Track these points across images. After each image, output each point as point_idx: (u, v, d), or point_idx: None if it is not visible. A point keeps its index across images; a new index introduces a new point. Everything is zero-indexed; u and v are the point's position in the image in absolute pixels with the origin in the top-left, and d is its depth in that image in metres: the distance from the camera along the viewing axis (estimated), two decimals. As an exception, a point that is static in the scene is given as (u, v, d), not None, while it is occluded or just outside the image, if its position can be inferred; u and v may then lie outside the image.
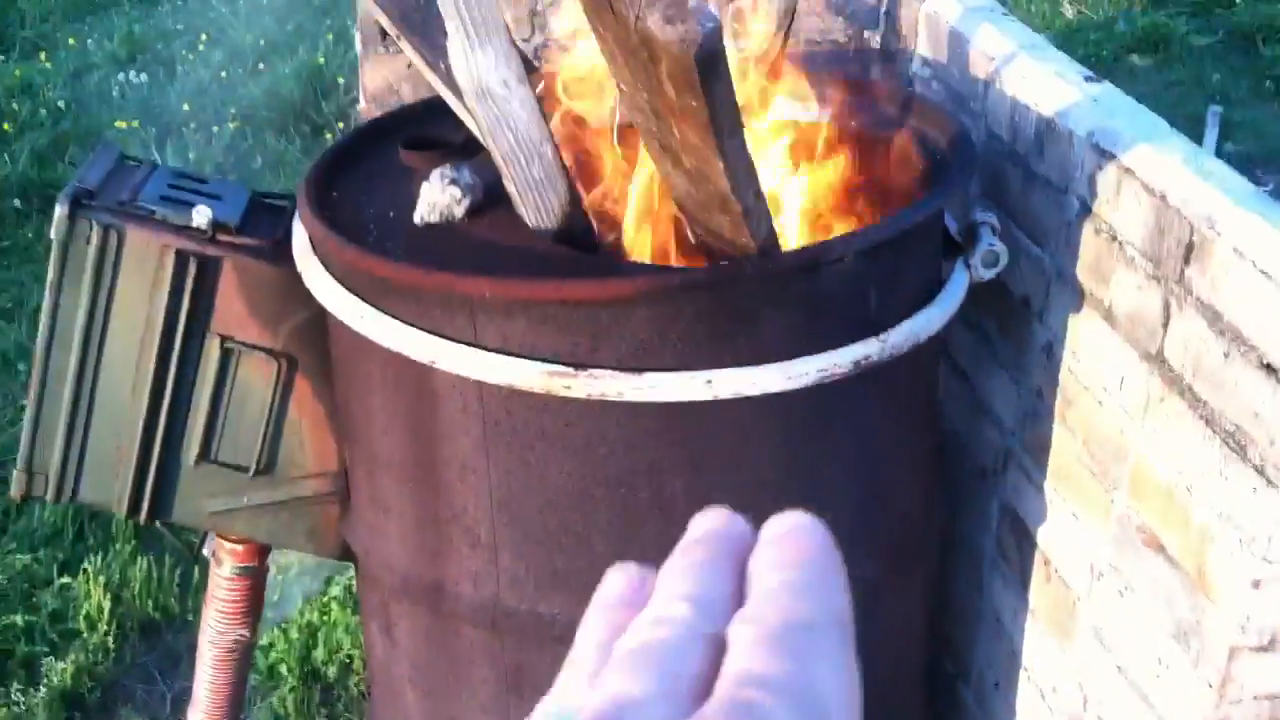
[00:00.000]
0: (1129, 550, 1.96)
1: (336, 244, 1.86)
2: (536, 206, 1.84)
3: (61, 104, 5.84)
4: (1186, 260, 1.76)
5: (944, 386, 2.48)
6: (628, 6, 1.32)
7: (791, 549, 0.40)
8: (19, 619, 3.16)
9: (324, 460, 2.20)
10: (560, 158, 1.84)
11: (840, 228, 1.98)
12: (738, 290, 1.72)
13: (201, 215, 2.04)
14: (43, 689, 3.01)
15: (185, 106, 5.74)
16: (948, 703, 2.66)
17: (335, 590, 3.18)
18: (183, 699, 2.74)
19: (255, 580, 2.36)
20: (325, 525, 2.24)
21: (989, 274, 2.05)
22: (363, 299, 1.86)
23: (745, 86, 2.09)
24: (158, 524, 2.23)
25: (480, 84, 1.73)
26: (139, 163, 2.22)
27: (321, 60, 6.09)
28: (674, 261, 1.87)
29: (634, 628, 0.40)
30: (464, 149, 2.03)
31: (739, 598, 0.40)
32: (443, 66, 1.83)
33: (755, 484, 1.86)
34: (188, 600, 3.27)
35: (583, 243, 1.87)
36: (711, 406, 1.76)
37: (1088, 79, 2.11)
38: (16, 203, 4.99)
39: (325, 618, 3.12)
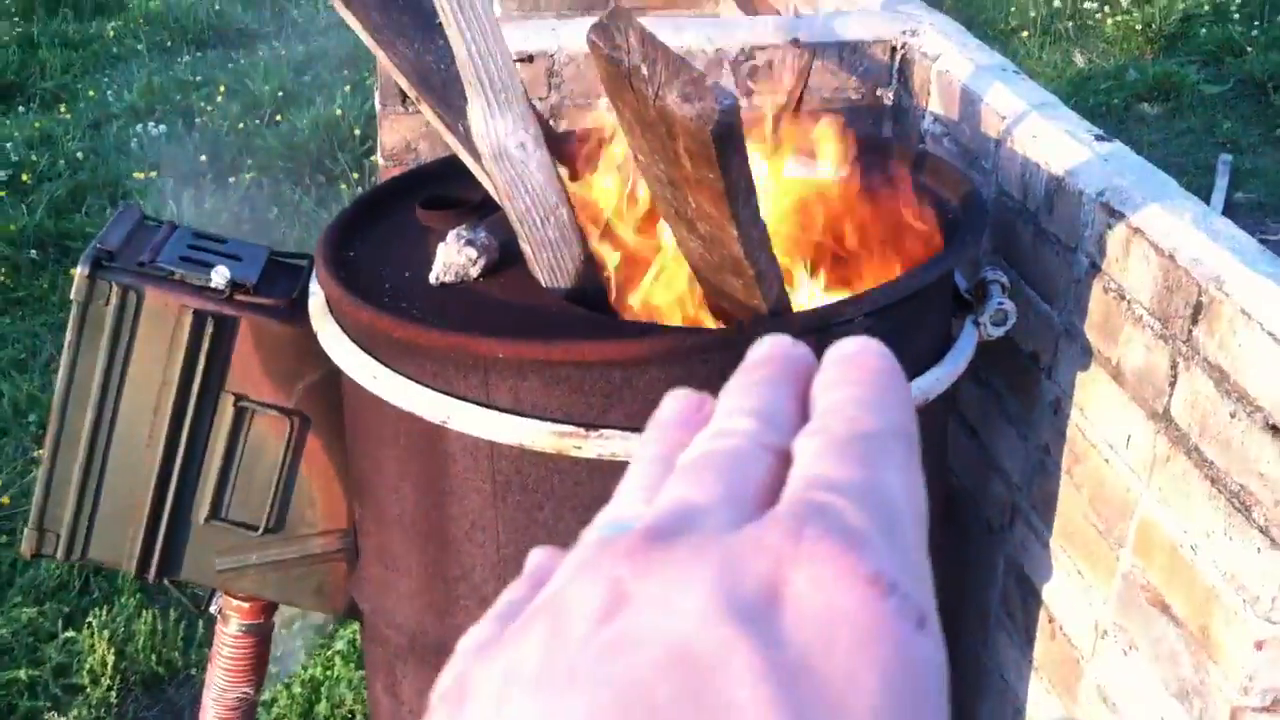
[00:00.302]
0: (1133, 609, 1.96)
1: (351, 304, 1.87)
2: (551, 266, 1.86)
3: (80, 155, 5.89)
4: (1194, 320, 1.77)
5: (953, 442, 2.49)
6: (646, 84, 1.34)
7: (856, 367, 0.39)
8: (23, 673, 3.16)
9: (333, 518, 2.21)
10: (575, 219, 1.86)
11: (852, 287, 2.00)
12: (749, 351, 1.73)
13: (220, 275, 2.06)
14: (46, 744, 3.01)
15: (203, 157, 5.79)
16: (958, 759, 2.65)
17: (339, 644, 3.18)
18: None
19: (260, 637, 2.37)
20: (333, 583, 2.25)
21: (998, 332, 2.06)
22: (377, 358, 1.87)
23: (759, 143, 2.11)
24: (165, 581, 2.23)
25: (498, 147, 1.75)
26: (159, 223, 2.24)
27: (338, 111, 6.14)
28: (686, 322, 1.89)
29: (695, 443, 0.39)
30: (480, 207, 2.05)
31: (802, 418, 0.38)
32: (461, 128, 1.86)
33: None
34: (191, 654, 3.26)
35: (596, 303, 1.89)
36: (721, 466, 1.76)
37: (1098, 138, 2.13)
38: (33, 253, 5.03)
39: (329, 672, 3.12)
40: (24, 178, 5.59)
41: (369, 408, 1.94)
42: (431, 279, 1.94)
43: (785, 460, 0.36)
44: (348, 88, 6.43)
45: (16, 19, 7.53)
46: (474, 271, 1.93)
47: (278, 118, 6.28)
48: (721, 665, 0.29)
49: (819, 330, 1.76)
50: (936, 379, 1.90)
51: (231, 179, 5.69)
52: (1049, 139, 2.17)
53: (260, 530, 2.19)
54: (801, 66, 2.13)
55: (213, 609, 2.38)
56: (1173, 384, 1.83)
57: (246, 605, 2.33)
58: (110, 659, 3.18)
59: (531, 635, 0.33)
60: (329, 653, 3.18)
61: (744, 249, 1.50)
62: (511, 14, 4.01)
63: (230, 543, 2.20)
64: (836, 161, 2.18)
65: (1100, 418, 2.03)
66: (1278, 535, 1.61)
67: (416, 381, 1.82)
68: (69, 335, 2.07)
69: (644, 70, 1.36)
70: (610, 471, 1.77)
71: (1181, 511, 1.82)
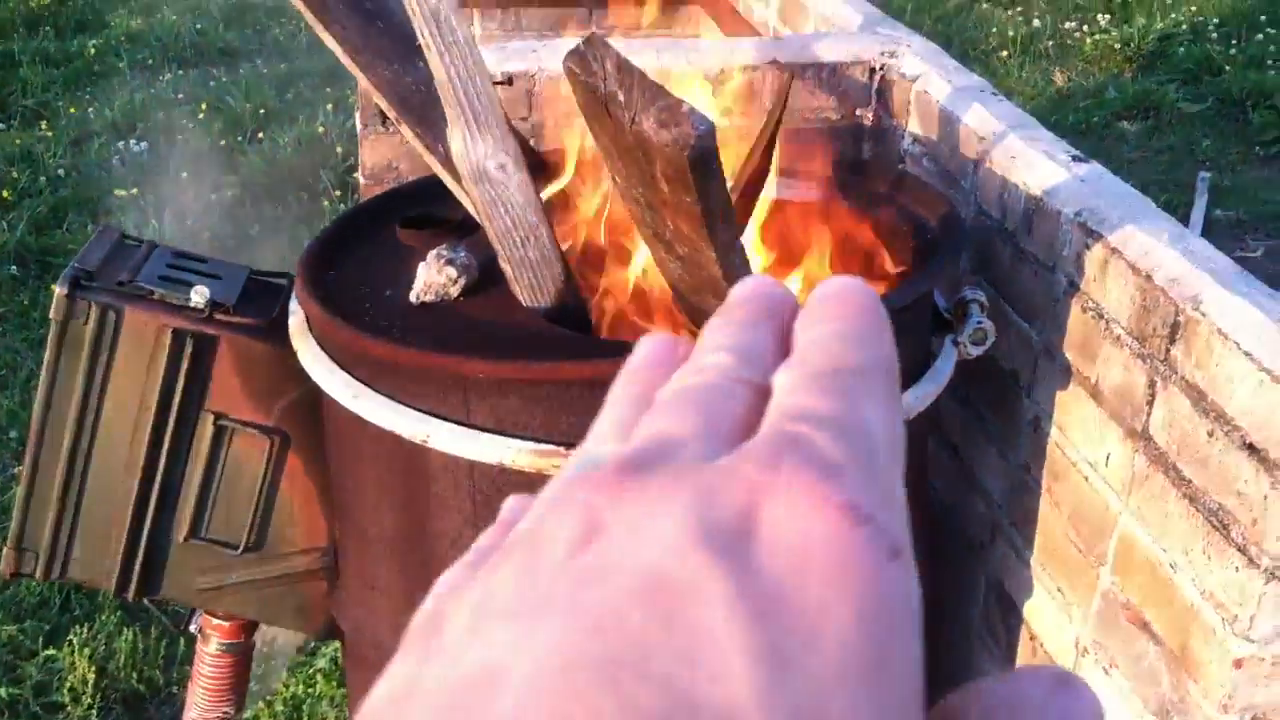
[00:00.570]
0: (1113, 627, 1.97)
1: (331, 323, 1.88)
2: (531, 286, 1.86)
3: (61, 172, 5.88)
4: (1172, 340, 1.78)
5: (934, 460, 2.50)
6: (623, 110, 1.35)
7: (839, 303, 0.38)
8: (2, 691, 3.14)
9: (313, 536, 2.21)
10: (555, 239, 1.86)
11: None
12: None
13: (199, 295, 2.06)
14: (27, 763, 2.99)
15: (184, 175, 5.79)
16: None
17: (321, 662, 3.17)
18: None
19: (241, 657, 2.37)
20: (313, 602, 2.24)
21: (977, 351, 2.07)
22: (356, 378, 1.87)
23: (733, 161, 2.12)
24: (145, 600, 2.23)
25: (478, 168, 1.76)
26: (139, 242, 2.24)
27: (320, 129, 6.14)
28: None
29: (674, 379, 0.38)
30: (461, 227, 2.05)
31: (782, 357, 0.38)
32: (441, 149, 1.86)
33: (745, 561, 1.86)
34: (173, 673, 3.25)
35: (576, 322, 1.89)
36: (702, 485, 1.77)
37: (1075, 159, 2.14)
38: (13, 269, 5.01)
39: (310, 690, 3.11)
40: (4, 194, 5.57)
41: (349, 427, 1.94)
42: (412, 298, 1.94)
43: (764, 396, 0.36)
44: (330, 105, 6.44)
45: (-3, 36, 7.53)
46: (454, 291, 1.93)
47: (259, 135, 6.28)
48: (695, 591, 0.29)
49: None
50: (916, 398, 1.91)
51: (213, 196, 5.68)
52: (1027, 159, 2.18)
53: (240, 549, 2.19)
54: (780, 87, 2.14)
55: (193, 628, 2.38)
56: (1151, 403, 1.84)
57: (227, 624, 2.33)
58: (91, 677, 3.16)
59: (505, 567, 0.33)
60: (311, 670, 3.17)
61: (722, 270, 1.51)
62: (493, 34, 4.02)
63: (210, 562, 2.20)
64: (815, 182, 2.19)
65: (1079, 436, 2.04)
66: (1256, 554, 1.62)
67: (396, 400, 1.82)
68: (48, 354, 2.06)
69: (620, 96, 1.36)
70: (590, 491, 1.78)
71: (1160, 530, 1.83)
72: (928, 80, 2.56)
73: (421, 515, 1.90)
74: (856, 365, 0.36)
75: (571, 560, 0.31)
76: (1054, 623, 2.16)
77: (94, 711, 3.13)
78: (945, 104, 2.46)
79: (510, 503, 0.42)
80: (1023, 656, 2.29)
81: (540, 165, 2.05)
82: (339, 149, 5.97)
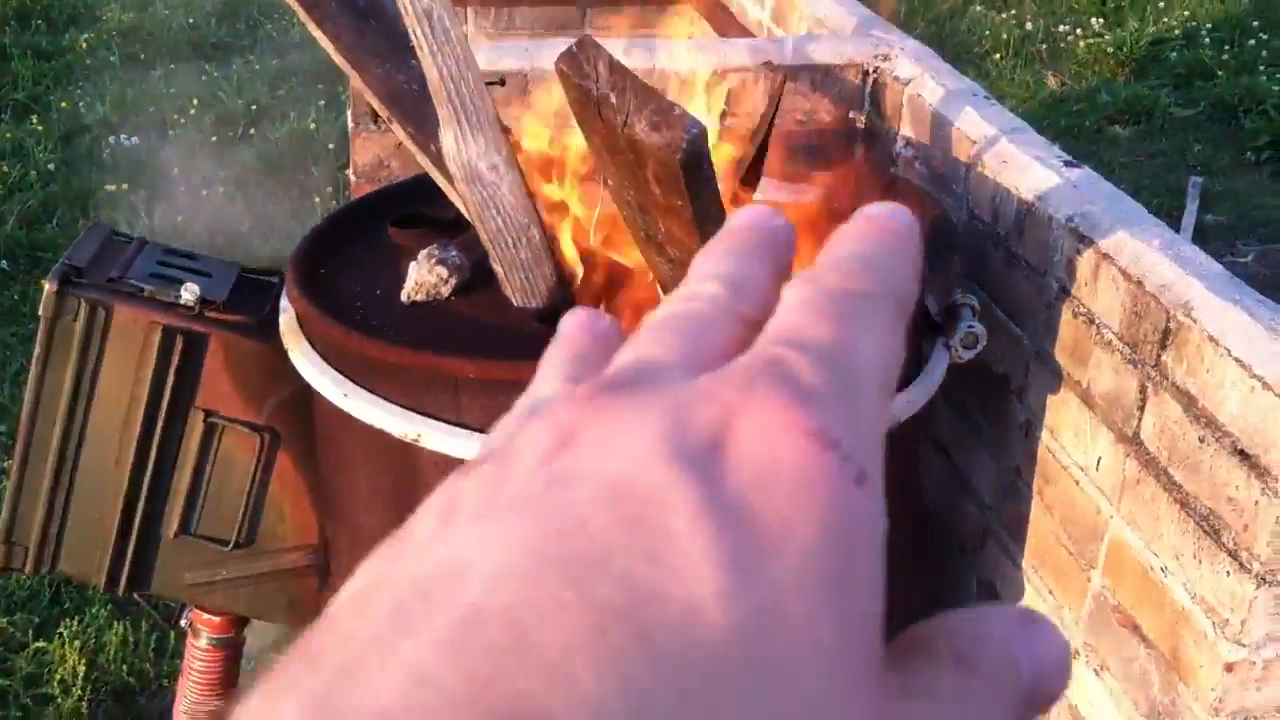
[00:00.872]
0: (1104, 630, 1.97)
1: (322, 322, 1.87)
2: (522, 286, 1.86)
3: (51, 166, 5.87)
4: (1163, 345, 1.78)
5: (925, 463, 2.50)
6: (615, 113, 1.35)
7: (870, 226, 0.38)
8: (-8, 684, 3.15)
9: (304, 533, 2.21)
10: (546, 239, 1.86)
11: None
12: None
13: (190, 292, 2.06)
14: (16, 756, 2.99)
15: (175, 170, 5.78)
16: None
17: (314, 658, 3.17)
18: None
19: (232, 651, 2.36)
20: (304, 598, 2.24)
21: (969, 355, 2.07)
22: (347, 376, 1.87)
23: (725, 162, 2.12)
24: (135, 595, 2.23)
25: (470, 169, 1.76)
26: (129, 239, 2.24)
27: (312, 126, 6.13)
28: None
29: (662, 304, 0.38)
30: (452, 226, 2.05)
31: (775, 292, 0.37)
32: (433, 148, 1.86)
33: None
34: (163, 665, 3.24)
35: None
36: (692, 487, 1.77)
37: (1068, 164, 2.15)
38: (3, 264, 5.00)
39: (302, 686, 3.11)
40: (-5, 189, 5.56)
41: (340, 425, 1.93)
42: (403, 297, 1.93)
43: (752, 327, 0.35)
44: (322, 102, 6.43)
45: (-11, 29, 7.51)
46: (445, 291, 1.93)
47: (251, 131, 6.27)
48: (661, 499, 0.29)
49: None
50: (908, 401, 1.91)
51: (204, 192, 5.67)
52: (1019, 164, 2.18)
53: (230, 545, 2.19)
54: (774, 89, 2.14)
55: (183, 623, 2.37)
56: (1142, 408, 1.84)
57: (217, 619, 2.32)
58: (81, 669, 3.16)
59: (475, 476, 0.33)
60: (300, 667, 3.16)
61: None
62: (486, 31, 4.02)
63: (200, 558, 2.20)
64: (808, 185, 2.19)
65: (1071, 440, 2.04)
66: (1247, 559, 1.62)
67: (387, 400, 1.82)
68: (37, 350, 2.06)
69: (613, 99, 1.36)
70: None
71: (1151, 534, 1.83)
72: (920, 83, 2.56)
73: (411, 513, 1.89)
74: (867, 290, 0.36)
75: (541, 469, 0.31)
76: (1043, 626, 2.16)
77: (84, 703, 3.13)
78: (938, 107, 2.46)
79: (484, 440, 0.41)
80: (1011, 660, 2.29)
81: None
82: (331, 146, 5.96)
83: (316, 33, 1.99)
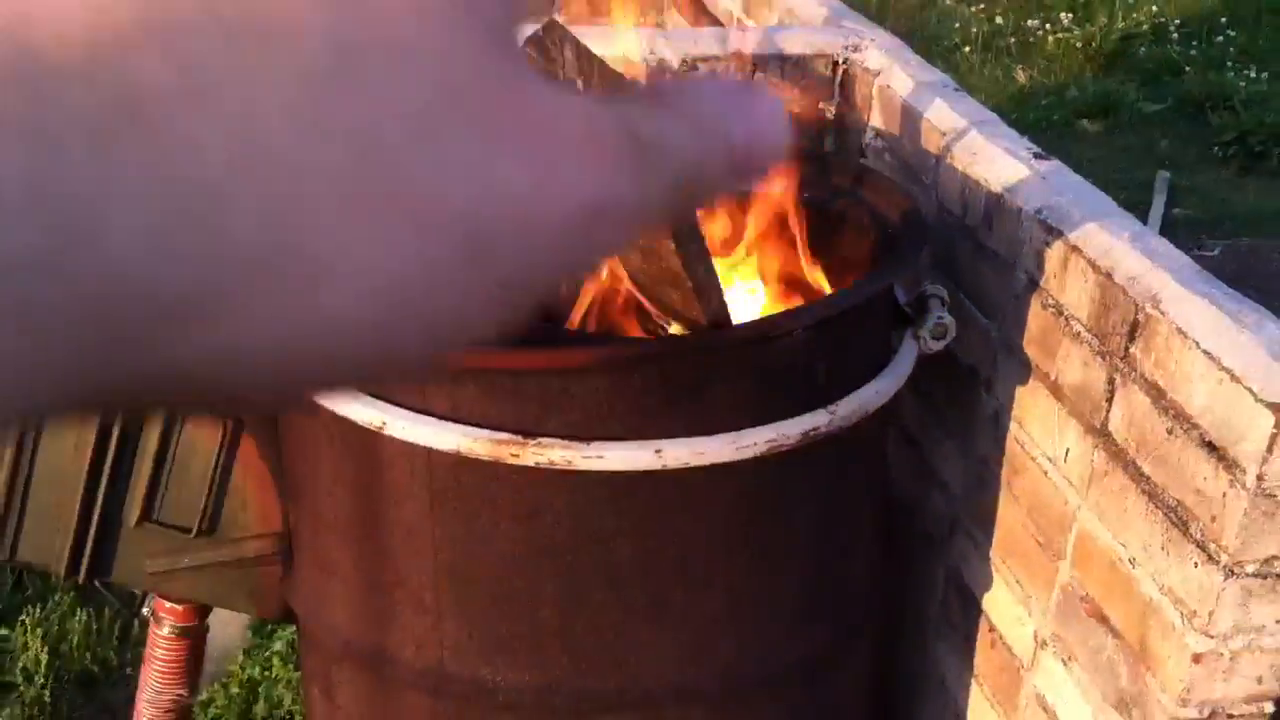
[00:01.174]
0: (1072, 620, 1.97)
1: (287, 307, 1.85)
2: (489, 273, 1.84)
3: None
4: (1131, 338, 1.78)
5: (892, 452, 2.50)
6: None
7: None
8: (-46, 672, 3.12)
9: (267, 521, 2.19)
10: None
11: (790, 300, 2.00)
12: (688, 362, 1.73)
13: (152, 275, 2.03)
14: (-23, 744, 2.96)
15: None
16: (893, 770, 2.66)
17: (277, 645, 3.15)
18: (121, 758, 2.71)
19: (195, 640, 2.34)
20: (267, 586, 2.22)
21: (938, 346, 2.07)
22: (312, 362, 1.85)
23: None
24: (97, 584, 2.20)
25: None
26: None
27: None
28: (625, 332, 1.88)
29: None
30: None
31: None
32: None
33: (704, 553, 1.86)
34: (127, 653, 3.23)
35: (536, 310, 1.87)
36: (660, 476, 1.76)
37: (1037, 156, 2.14)
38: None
39: (266, 673, 3.09)
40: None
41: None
42: (370, 283, 1.92)
43: None
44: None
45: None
46: (413, 276, 1.91)
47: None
48: None
49: (758, 342, 1.76)
50: (876, 392, 1.90)
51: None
52: (988, 156, 2.18)
53: (193, 533, 2.17)
54: (743, 79, 2.13)
55: (145, 611, 2.35)
56: (1110, 400, 1.84)
57: (180, 608, 2.31)
58: (44, 658, 3.14)
59: None
60: (267, 653, 3.15)
61: (682, 262, 1.50)
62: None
63: (162, 545, 2.17)
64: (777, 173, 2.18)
65: (1039, 432, 2.04)
66: (1215, 550, 1.62)
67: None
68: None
69: (579, 84, 1.35)
70: (549, 480, 1.77)
71: (1119, 525, 1.83)
72: (890, 74, 2.55)
73: (377, 502, 1.88)
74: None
75: None
76: (1013, 615, 2.16)
77: (47, 692, 3.10)
78: (907, 99, 2.45)
79: None
80: (981, 648, 2.29)
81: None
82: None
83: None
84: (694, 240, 1.51)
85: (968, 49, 6.98)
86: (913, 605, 2.53)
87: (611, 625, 1.87)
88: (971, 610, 2.31)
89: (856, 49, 2.68)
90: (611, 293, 1.90)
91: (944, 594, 2.41)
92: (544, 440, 1.71)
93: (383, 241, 0.28)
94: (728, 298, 1.73)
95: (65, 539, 2.13)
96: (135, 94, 0.25)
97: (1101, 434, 1.87)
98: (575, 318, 1.90)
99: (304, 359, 0.28)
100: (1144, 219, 4.65)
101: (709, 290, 1.62)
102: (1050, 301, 1.98)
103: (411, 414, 1.75)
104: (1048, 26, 7.17)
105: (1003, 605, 2.20)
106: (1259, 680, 1.70)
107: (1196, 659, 1.68)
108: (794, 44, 2.69)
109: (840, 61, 2.70)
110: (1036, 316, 2.02)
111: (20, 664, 3.14)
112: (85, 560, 2.15)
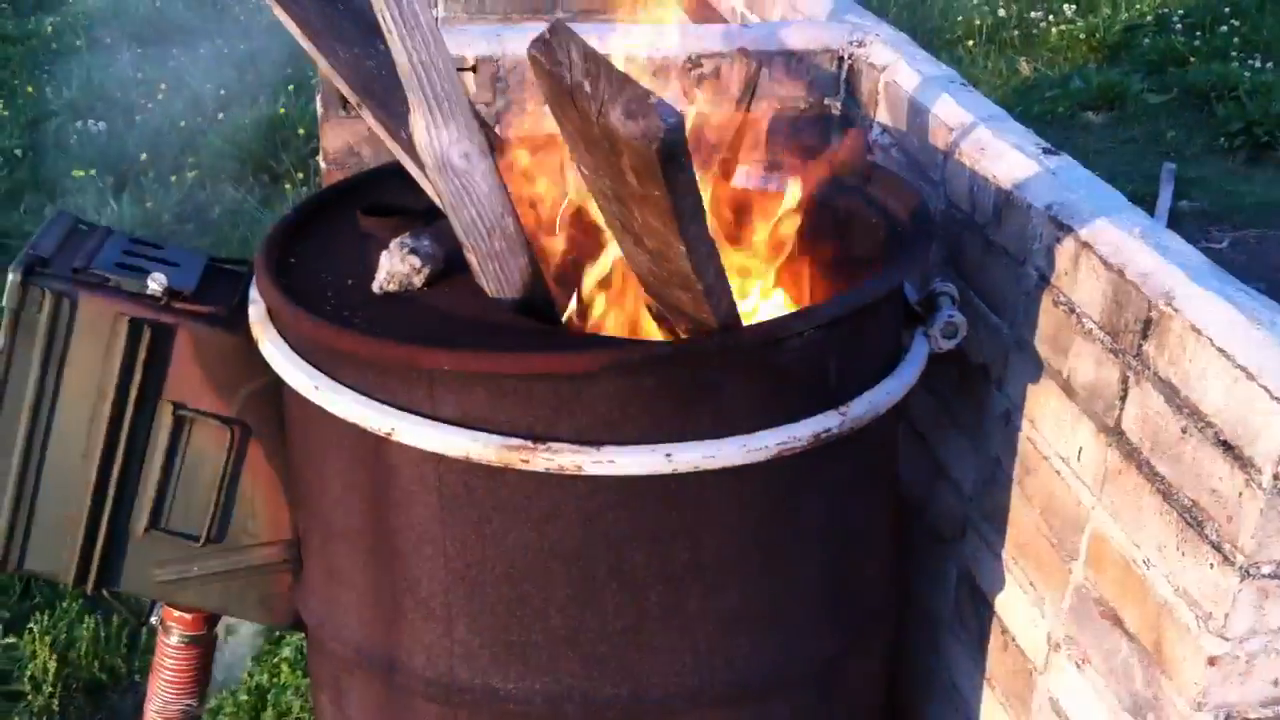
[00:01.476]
0: (1086, 622, 1.96)
1: (292, 313, 1.84)
2: (497, 277, 1.83)
3: (18, 152, 5.81)
4: (1144, 335, 1.76)
5: (903, 451, 2.48)
6: (589, 100, 1.32)
7: None
8: (-37, 680, 3.11)
9: (276, 528, 2.17)
10: (522, 229, 1.83)
11: (800, 300, 1.99)
12: (698, 365, 1.72)
13: (156, 282, 2.02)
14: (-15, 753, 2.96)
15: (143, 155, 5.72)
16: (906, 770, 2.65)
17: (285, 651, 3.14)
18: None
19: (203, 649, 2.33)
20: (277, 594, 2.21)
21: (949, 345, 2.05)
22: (319, 369, 1.84)
23: (704, 153, 2.09)
24: (105, 593, 2.19)
25: (442, 157, 1.72)
26: (94, 228, 2.19)
27: (282, 110, 6.08)
28: (634, 334, 1.87)
29: None
30: (425, 214, 2.02)
31: None
32: (404, 135, 1.83)
33: (716, 557, 1.84)
34: (135, 661, 3.22)
35: (543, 314, 1.86)
36: (671, 479, 1.75)
37: (1046, 151, 2.12)
38: (-31, 251, 4.94)
39: (275, 680, 3.08)
40: (-40, 175, 5.50)
41: (311, 418, 1.90)
42: (375, 288, 1.90)
43: None
44: (291, 86, 6.37)
45: (-47, 14, 7.42)
46: (418, 281, 1.89)
47: (220, 116, 6.21)
48: None
49: (769, 344, 1.74)
50: (887, 392, 1.89)
51: (173, 178, 5.62)
52: (997, 151, 2.16)
53: (201, 541, 2.15)
54: (749, 75, 2.11)
55: (153, 620, 2.34)
56: (1123, 398, 1.82)
57: (188, 617, 2.29)
58: (52, 665, 3.13)
59: None
60: (275, 660, 3.14)
61: (692, 264, 1.48)
62: (457, 15, 3.98)
63: (171, 554, 2.16)
64: (783, 173, 2.16)
65: (1052, 431, 2.03)
66: (1230, 551, 1.61)
67: (360, 392, 1.79)
68: (2, 342, 2.02)
69: (586, 87, 1.33)
70: (559, 485, 1.75)
71: (1134, 526, 1.82)
72: (896, 70, 2.54)
73: (386, 509, 1.87)
74: None
75: None
76: (1026, 617, 2.15)
77: (55, 700, 3.10)
78: (914, 94, 2.44)
79: None
80: (994, 649, 2.27)
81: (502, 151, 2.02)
82: (300, 130, 5.91)
83: (282, 16, 1.95)
84: (704, 243, 1.50)
85: (971, 41, 6.95)
86: (924, 606, 2.51)
87: (624, 630, 1.85)
88: (983, 611, 2.29)
89: (861, 44, 2.66)
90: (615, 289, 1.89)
91: (956, 594, 2.40)
92: (554, 445, 1.70)
93: None
94: (737, 299, 1.71)
95: (73, 548, 2.12)
96: None
97: (1115, 433, 1.85)
98: (575, 315, 1.88)
99: None
100: (1151, 211, 4.63)
101: (719, 292, 1.60)
102: (1062, 299, 1.96)
103: (420, 419, 1.74)
104: (1051, 18, 7.15)
105: (1015, 606, 2.18)
106: (1275, 683, 1.68)
107: (1212, 661, 1.67)
108: (798, 39, 2.68)
109: (845, 57, 2.68)
110: (1048, 314, 2.00)
111: (28, 672, 3.13)
112: (93, 569, 2.14)
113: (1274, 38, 6.56)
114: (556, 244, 1.96)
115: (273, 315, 1.95)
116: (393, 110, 1.90)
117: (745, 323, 1.75)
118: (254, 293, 2.01)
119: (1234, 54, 6.38)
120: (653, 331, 1.84)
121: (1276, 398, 1.52)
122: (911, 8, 7.43)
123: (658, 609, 1.85)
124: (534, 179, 2.00)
